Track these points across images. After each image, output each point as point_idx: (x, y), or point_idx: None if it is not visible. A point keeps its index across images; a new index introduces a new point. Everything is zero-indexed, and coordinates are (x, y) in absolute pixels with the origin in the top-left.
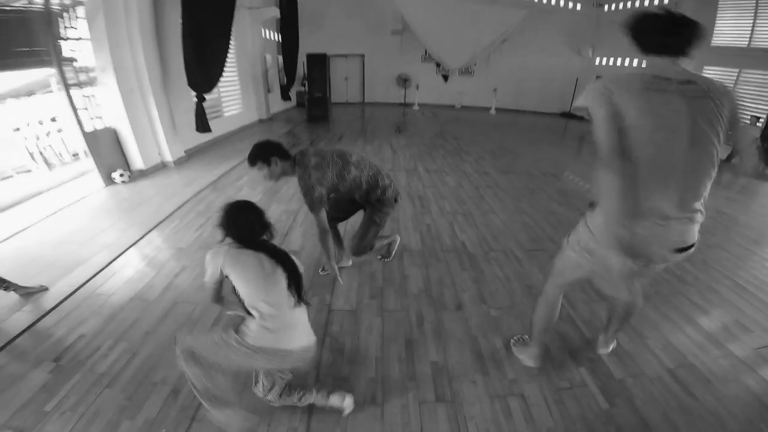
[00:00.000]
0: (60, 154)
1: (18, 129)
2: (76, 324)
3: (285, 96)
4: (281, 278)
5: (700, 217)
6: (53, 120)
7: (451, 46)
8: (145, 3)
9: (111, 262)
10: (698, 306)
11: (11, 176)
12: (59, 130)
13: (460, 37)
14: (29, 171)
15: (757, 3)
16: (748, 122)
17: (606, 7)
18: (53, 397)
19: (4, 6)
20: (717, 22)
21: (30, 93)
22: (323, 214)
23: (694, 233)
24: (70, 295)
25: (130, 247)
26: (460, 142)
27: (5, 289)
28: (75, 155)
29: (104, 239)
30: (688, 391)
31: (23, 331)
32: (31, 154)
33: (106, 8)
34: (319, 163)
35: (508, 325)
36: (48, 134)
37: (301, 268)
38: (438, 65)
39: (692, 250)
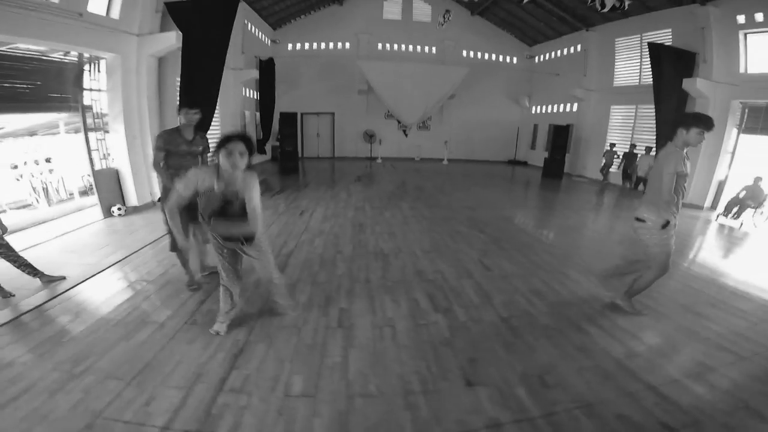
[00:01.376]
0: (57, 190)
1: (16, 167)
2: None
3: (261, 150)
4: None
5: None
6: (47, 161)
7: (406, 103)
8: (153, 62)
9: (93, 276)
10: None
11: (4, 211)
12: (51, 171)
13: (414, 96)
14: (29, 205)
15: (641, 44)
16: (644, 152)
17: (536, 58)
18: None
19: (46, 55)
20: (616, 65)
21: (32, 133)
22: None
23: None
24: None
25: (111, 266)
26: (407, 188)
27: (33, 276)
28: (71, 194)
29: (89, 260)
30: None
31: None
32: (34, 189)
33: (123, 64)
34: None
35: (396, 289)
36: (51, 172)
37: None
38: (398, 121)
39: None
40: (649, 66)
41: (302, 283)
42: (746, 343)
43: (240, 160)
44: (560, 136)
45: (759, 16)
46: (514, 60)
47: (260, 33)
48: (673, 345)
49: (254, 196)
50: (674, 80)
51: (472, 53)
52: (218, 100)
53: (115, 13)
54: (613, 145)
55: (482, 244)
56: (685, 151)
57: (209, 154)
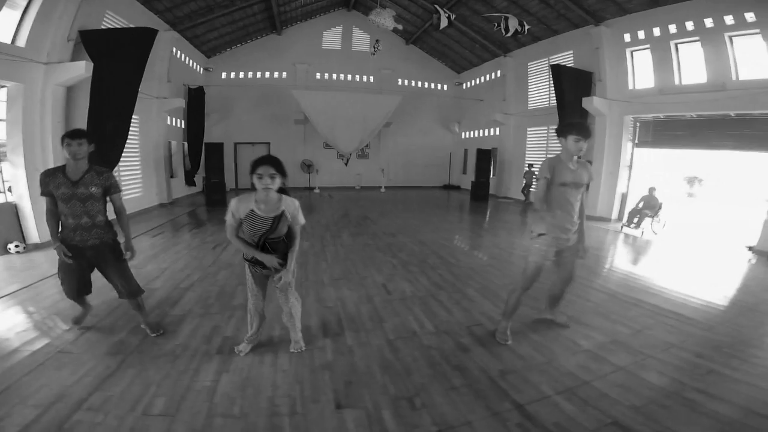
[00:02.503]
0: None
1: None
2: None
3: (189, 181)
4: None
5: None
6: None
7: (342, 132)
8: (61, 92)
9: None
10: None
11: None
12: None
13: (349, 125)
14: None
15: (549, 67)
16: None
17: (464, 85)
18: None
19: None
20: (529, 88)
21: None
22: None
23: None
24: None
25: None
26: (336, 217)
27: None
28: None
29: None
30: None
31: None
32: None
33: (26, 93)
34: None
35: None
36: None
37: None
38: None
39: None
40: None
41: (191, 315)
42: (624, 352)
43: (271, 182)
44: (483, 159)
45: (641, 34)
46: (445, 87)
47: (191, 61)
48: (551, 359)
49: (298, 217)
50: (575, 99)
51: (407, 81)
52: (138, 129)
53: (22, 41)
54: (531, 165)
55: (391, 268)
56: (575, 158)
57: (116, 194)
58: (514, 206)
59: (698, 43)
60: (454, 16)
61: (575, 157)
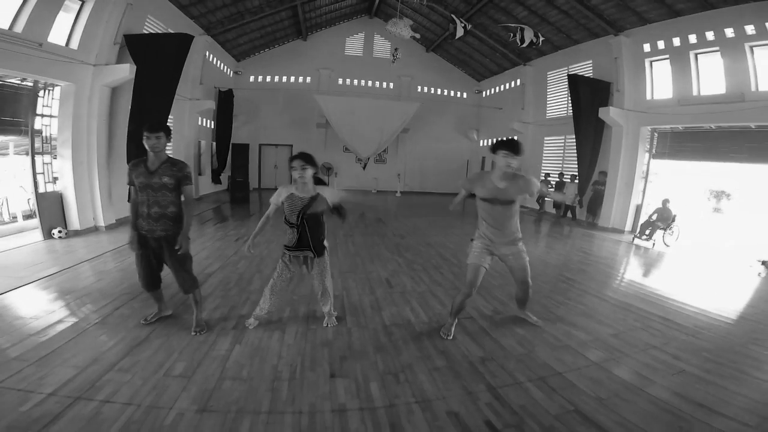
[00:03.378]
0: (0, 212)
1: None
2: None
3: (215, 179)
4: None
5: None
6: None
7: (360, 137)
8: (106, 92)
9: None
10: None
11: None
12: None
13: (368, 129)
14: None
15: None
16: (569, 180)
17: (484, 93)
18: None
19: (1, 80)
20: (548, 98)
21: None
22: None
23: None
24: None
25: (40, 279)
26: (351, 218)
27: None
28: (14, 217)
29: (21, 273)
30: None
31: None
32: None
33: (77, 93)
34: None
35: (299, 302)
36: None
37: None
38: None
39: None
40: None
41: (213, 297)
42: (602, 350)
43: (303, 172)
44: None
45: (660, 44)
46: (464, 95)
47: (222, 64)
48: (530, 351)
49: (328, 196)
50: (592, 110)
51: (426, 88)
52: (172, 129)
53: (75, 44)
54: (547, 174)
55: (396, 266)
56: (505, 173)
57: (187, 185)
58: (528, 215)
59: (718, 54)
60: (470, 25)
61: (507, 173)
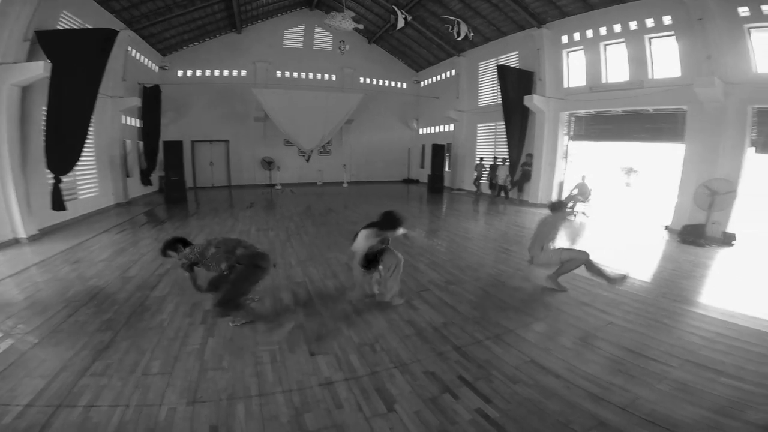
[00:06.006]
0: None
1: None
2: None
3: (145, 181)
4: None
5: None
6: None
7: (302, 130)
8: (16, 92)
9: None
10: None
11: None
12: None
13: (310, 122)
14: None
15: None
16: (501, 163)
17: (422, 83)
18: None
19: None
20: (479, 87)
21: None
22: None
23: None
24: None
25: None
26: (300, 210)
27: None
28: None
29: None
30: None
31: None
32: None
33: None
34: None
35: (262, 293)
36: None
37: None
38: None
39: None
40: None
41: (171, 295)
42: (542, 308)
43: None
44: (438, 154)
45: (576, 35)
46: (404, 85)
47: (146, 60)
48: (484, 313)
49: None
50: (518, 98)
51: (368, 80)
52: (93, 128)
53: None
54: (481, 159)
55: None
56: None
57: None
58: (466, 197)
59: (623, 44)
60: (411, 17)
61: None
